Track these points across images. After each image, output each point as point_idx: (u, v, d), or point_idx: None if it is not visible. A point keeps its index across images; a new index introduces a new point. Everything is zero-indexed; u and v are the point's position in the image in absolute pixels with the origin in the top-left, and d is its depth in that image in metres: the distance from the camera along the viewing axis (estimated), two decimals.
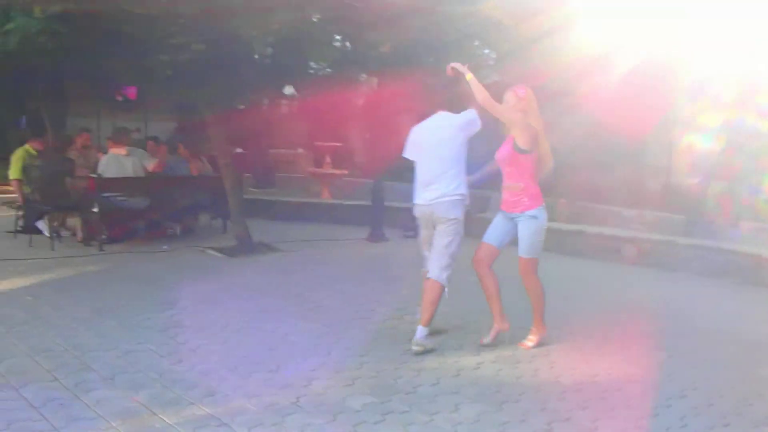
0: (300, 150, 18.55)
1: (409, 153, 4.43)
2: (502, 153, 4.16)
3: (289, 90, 13.33)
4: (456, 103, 4.29)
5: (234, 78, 5.99)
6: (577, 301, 5.67)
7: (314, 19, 5.51)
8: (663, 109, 11.18)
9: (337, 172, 12.83)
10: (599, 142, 13.95)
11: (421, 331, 4.13)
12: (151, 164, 7.42)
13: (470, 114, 4.19)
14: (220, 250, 7.22)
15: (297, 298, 5.34)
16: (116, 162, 7.26)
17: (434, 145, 4.23)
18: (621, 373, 3.94)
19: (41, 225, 7.74)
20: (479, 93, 3.98)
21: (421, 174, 4.30)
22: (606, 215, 10.47)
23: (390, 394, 3.48)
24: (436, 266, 4.18)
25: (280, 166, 16.68)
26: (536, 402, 3.45)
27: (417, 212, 4.34)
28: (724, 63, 8.62)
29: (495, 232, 4.29)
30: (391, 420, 3.16)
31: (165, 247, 7.31)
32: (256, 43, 4.75)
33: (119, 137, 7.57)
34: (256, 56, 5.98)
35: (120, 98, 15.48)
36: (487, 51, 13.86)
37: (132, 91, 15.37)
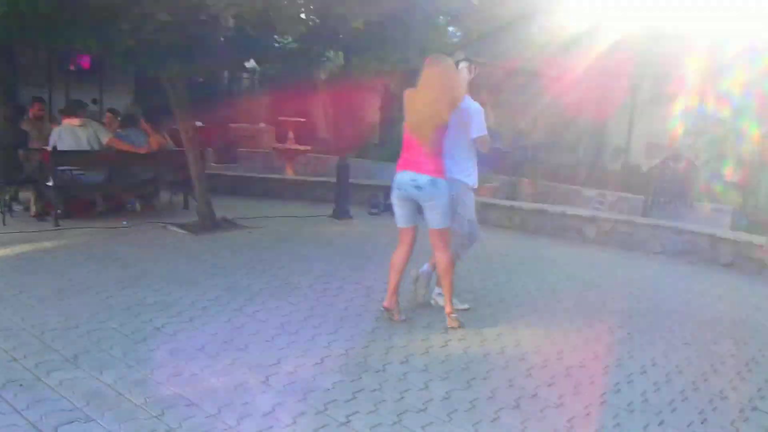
0: (262, 125, 18.28)
1: None
2: None
3: (250, 63, 13.05)
4: None
5: (198, 50, 5.82)
6: (539, 279, 5.77)
7: None
8: (625, 92, 11.38)
9: (301, 148, 12.69)
10: (564, 123, 14.16)
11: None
12: (106, 137, 7.17)
13: None
14: (182, 226, 7.07)
15: (264, 276, 5.28)
16: (70, 133, 7.00)
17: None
18: (584, 351, 4.03)
19: None
20: None
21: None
22: (568, 195, 10.66)
23: (360, 372, 3.48)
24: None
25: (242, 141, 16.41)
26: (504, 379, 3.51)
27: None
28: (688, 49, 8.80)
29: None
30: (362, 398, 3.17)
31: (125, 222, 7.12)
32: (222, 15, 4.60)
33: (72, 110, 7.30)
34: (222, 29, 5.80)
35: (73, 68, 14.91)
36: (451, 29, 13.83)
37: (86, 61, 14.83)
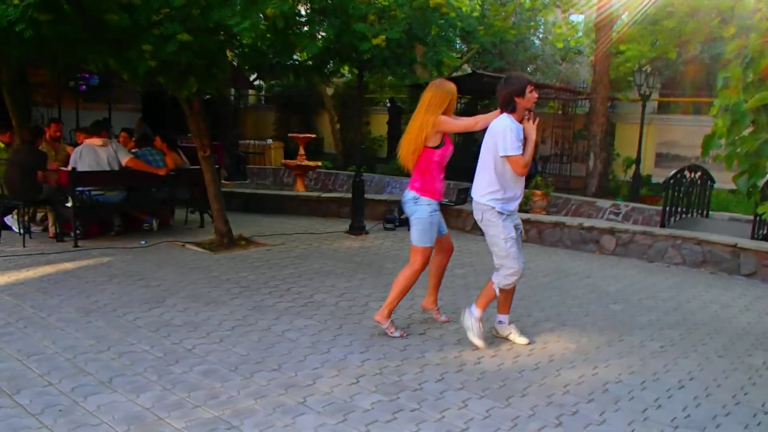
0: (270, 141, 18.36)
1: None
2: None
3: (256, 80, 13.08)
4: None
5: (218, 69, 5.84)
6: (564, 293, 5.73)
7: (303, 10, 5.42)
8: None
9: (312, 163, 12.70)
10: (574, 134, 14.14)
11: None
12: (125, 158, 7.18)
13: None
14: (200, 244, 7.06)
15: (288, 294, 5.25)
16: (91, 153, 7.00)
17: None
18: (619, 366, 3.99)
19: (10, 220, 7.47)
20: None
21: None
22: (581, 206, 10.63)
23: (397, 391, 3.45)
24: None
25: (250, 157, 16.46)
26: (542, 396, 3.47)
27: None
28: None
29: None
30: (403, 418, 3.14)
31: (143, 242, 7.11)
32: (246, 33, 4.62)
33: (97, 130, 7.33)
34: (242, 48, 5.83)
35: (84, 87, 15.02)
36: (459, 44, 13.86)
37: (94, 80, 14.94)
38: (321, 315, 4.74)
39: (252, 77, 12.21)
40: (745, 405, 3.49)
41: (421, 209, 4.21)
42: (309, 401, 3.28)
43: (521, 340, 4.29)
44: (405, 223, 8.94)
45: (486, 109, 12.39)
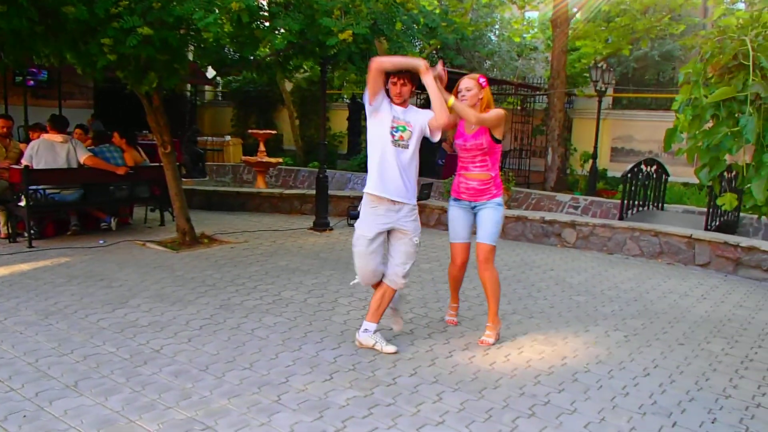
0: (228, 138, 18.08)
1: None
2: (475, 142, 4.13)
3: (210, 74, 12.85)
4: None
5: (179, 64, 5.72)
6: (529, 285, 5.83)
7: (267, 4, 5.34)
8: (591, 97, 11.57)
9: (273, 160, 12.57)
10: (532, 129, 14.36)
11: None
12: (83, 156, 6.96)
13: None
14: (162, 243, 6.92)
15: (255, 292, 5.19)
16: (49, 149, 6.76)
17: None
18: (586, 355, 4.08)
19: None
20: (471, 115, 3.97)
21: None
22: (541, 200, 10.82)
23: (371, 386, 3.45)
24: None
25: (208, 154, 16.19)
26: (514, 387, 3.52)
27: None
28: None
29: (463, 228, 4.33)
30: (379, 413, 3.14)
31: (102, 241, 6.92)
32: (211, 27, 4.52)
33: (60, 125, 7.07)
34: (203, 43, 5.70)
35: (32, 83, 14.51)
36: (419, 43, 13.98)
37: (42, 74, 14.45)
38: (290, 312, 4.70)
39: (211, 73, 12.00)
40: (707, 390, 3.61)
41: (503, 206, 4.32)
42: (284, 399, 3.25)
43: (388, 349, 3.97)
44: None
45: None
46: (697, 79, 3.21)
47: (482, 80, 4.18)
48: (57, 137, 6.86)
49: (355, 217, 8.81)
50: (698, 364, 4.02)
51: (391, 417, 3.11)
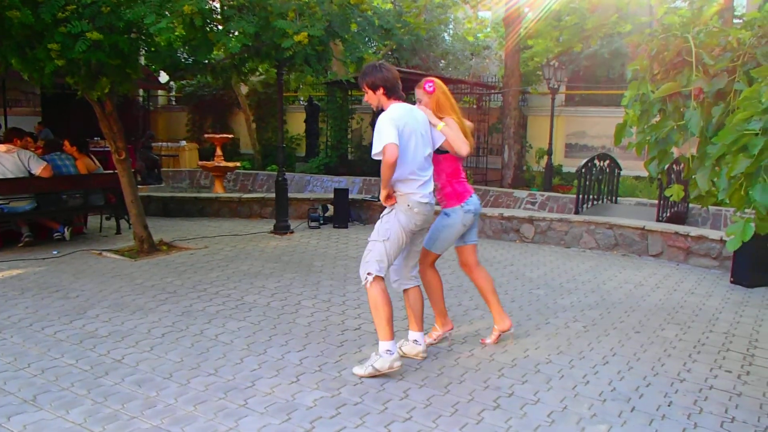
0: (183, 143, 17.81)
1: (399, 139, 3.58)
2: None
3: (163, 78, 12.67)
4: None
5: (131, 69, 5.62)
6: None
7: (222, 6, 5.29)
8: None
9: (230, 164, 12.45)
10: (488, 127, 14.56)
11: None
12: (39, 168, 6.76)
13: None
14: (119, 252, 6.78)
15: (217, 297, 5.14)
16: None
17: (424, 136, 3.80)
18: (547, 347, 4.18)
19: None
20: (461, 147, 3.94)
21: (416, 165, 3.70)
22: (499, 197, 10.99)
23: (338, 386, 3.47)
24: (415, 270, 3.99)
25: (163, 160, 15.92)
26: (479, 381, 3.59)
27: (424, 211, 3.74)
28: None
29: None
30: (346, 412, 3.16)
31: (55, 252, 6.74)
32: (162, 32, 4.45)
33: (9, 137, 6.90)
34: (154, 47, 5.61)
35: None
36: (374, 44, 14.05)
37: None
38: (253, 316, 4.67)
39: (164, 78, 11.80)
40: (663, 375, 3.75)
41: (454, 218, 4.25)
42: (250, 403, 3.24)
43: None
44: (329, 221, 8.95)
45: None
46: (644, 75, 3.33)
47: (428, 86, 4.09)
48: (1, 147, 6.66)
49: (316, 219, 8.89)
50: (654, 350, 4.17)
51: (359, 416, 3.13)
